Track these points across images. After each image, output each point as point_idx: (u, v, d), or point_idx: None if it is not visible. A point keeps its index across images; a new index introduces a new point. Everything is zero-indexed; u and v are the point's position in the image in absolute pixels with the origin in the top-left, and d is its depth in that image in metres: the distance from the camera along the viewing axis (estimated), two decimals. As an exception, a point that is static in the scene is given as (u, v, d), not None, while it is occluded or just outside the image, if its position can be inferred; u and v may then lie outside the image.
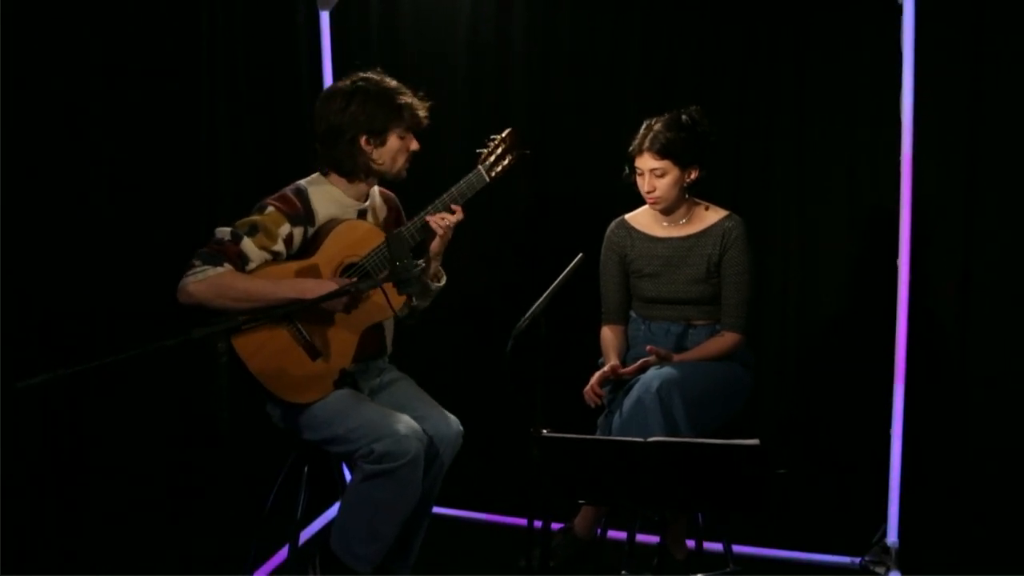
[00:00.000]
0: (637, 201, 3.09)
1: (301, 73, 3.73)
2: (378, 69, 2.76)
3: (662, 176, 2.94)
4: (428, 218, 2.70)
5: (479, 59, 3.80)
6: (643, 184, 2.97)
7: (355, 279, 2.64)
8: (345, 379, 2.72)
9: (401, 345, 3.01)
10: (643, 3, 3.59)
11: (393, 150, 2.73)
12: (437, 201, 2.72)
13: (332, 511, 3.48)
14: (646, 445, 2.20)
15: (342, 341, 2.68)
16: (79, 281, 2.98)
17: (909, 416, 3.14)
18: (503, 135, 2.81)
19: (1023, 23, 3.18)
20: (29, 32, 2.78)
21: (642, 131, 2.98)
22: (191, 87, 3.32)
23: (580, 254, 2.54)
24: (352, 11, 3.82)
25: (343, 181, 2.75)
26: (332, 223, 2.69)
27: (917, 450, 3.26)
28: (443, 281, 2.86)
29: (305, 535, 3.38)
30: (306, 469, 2.74)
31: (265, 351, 2.58)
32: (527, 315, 2.38)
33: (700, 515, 2.90)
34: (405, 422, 2.61)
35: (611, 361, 3.02)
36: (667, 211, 3.05)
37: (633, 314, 3.17)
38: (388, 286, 2.45)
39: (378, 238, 2.70)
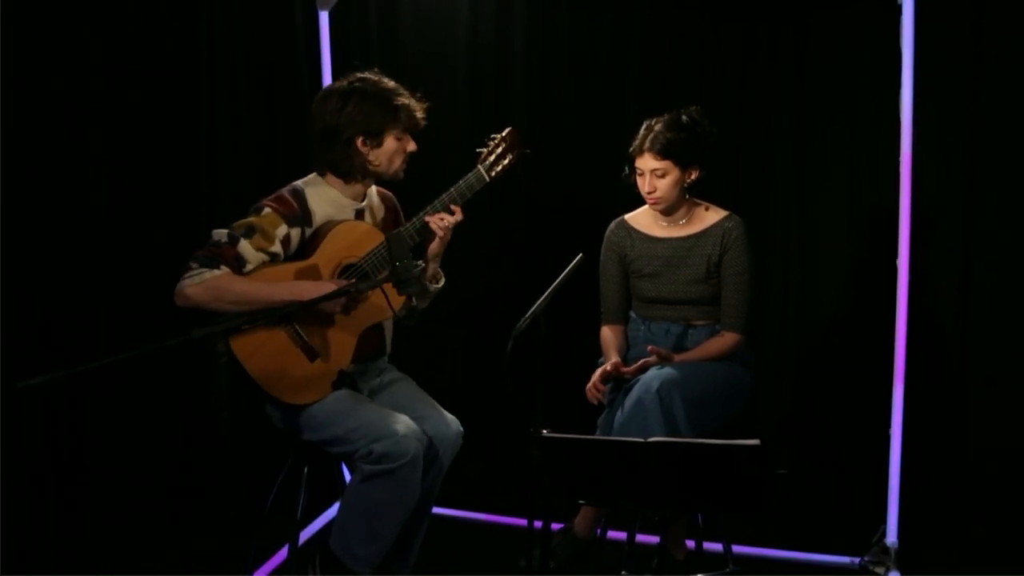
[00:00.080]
0: (637, 201, 3.09)
1: (301, 73, 3.73)
2: (375, 69, 2.75)
3: (663, 176, 2.94)
4: (427, 219, 2.69)
5: (479, 59, 3.80)
6: (644, 184, 2.97)
7: (353, 280, 2.63)
8: (344, 380, 2.72)
9: (401, 345, 3.00)
10: (643, 3, 3.59)
11: (390, 151, 2.72)
12: (436, 201, 2.71)
13: (332, 511, 3.48)
14: (646, 445, 2.20)
15: (340, 342, 2.68)
16: (79, 281, 2.98)
17: (909, 416, 3.14)
18: (503, 134, 2.80)
19: (1023, 23, 3.18)
20: (29, 32, 2.78)
21: (642, 131, 2.98)
22: (191, 87, 3.32)
23: (580, 254, 2.54)
24: (352, 11, 3.82)
25: (340, 182, 2.74)
26: (330, 224, 2.68)
27: (917, 450, 3.26)
28: (441, 282, 2.86)
29: (305, 535, 3.38)
30: (306, 469, 2.74)
31: (263, 352, 2.58)
32: (527, 315, 2.38)
33: (700, 515, 2.90)
34: (404, 422, 2.60)
35: (612, 359, 3.01)
36: (667, 211, 3.05)
37: (633, 314, 3.17)
38: (388, 286, 2.44)
39: (376, 239, 2.70)
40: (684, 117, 2.96)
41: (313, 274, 2.62)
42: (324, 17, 3.69)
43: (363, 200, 2.80)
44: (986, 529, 3.28)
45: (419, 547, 2.82)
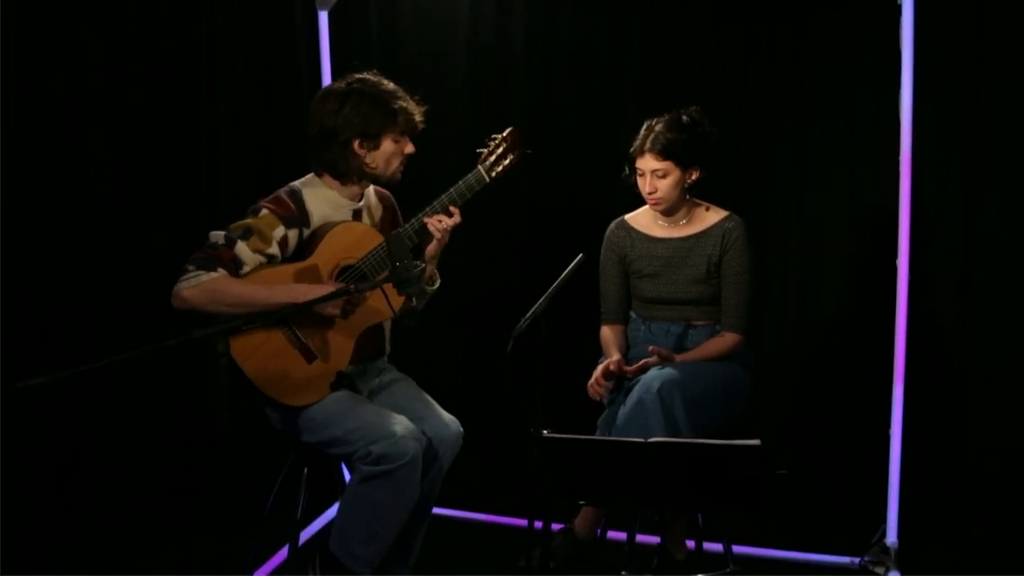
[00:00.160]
0: (637, 201, 3.09)
1: (300, 73, 3.73)
2: (375, 71, 2.74)
3: (664, 177, 2.94)
4: (426, 220, 2.69)
5: (479, 59, 3.80)
6: (644, 185, 2.97)
7: (352, 285, 2.62)
8: (343, 381, 2.71)
9: (401, 345, 3.00)
10: (643, 3, 3.59)
11: (387, 153, 2.71)
12: (436, 202, 2.70)
13: (332, 511, 3.48)
14: (646, 445, 2.20)
15: (339, 343, 2.67)
16: (79, 281, 2.98)
17: (909, 416, 3.14)
18: (504, 134, 2.80)
19: (1023, 23, 3.18)
20: (29, 32, 2.78)
21: (643, 132, 2.98)
22: (191, 87, 3.32)
23: (580, 254, 2.54)
24: (352, 11, 3.82)
25: (337, 182, 2.74)
26: (328, 225, 2.68)
27: (917, 450, 3.26)
28: (437, 284, 2.85)
29: (305, 535, 3.38)
30: (306, 470, 2.74)
31: (261, 354, 2.58)
32: (527, 316, 2.38)
33: (700, 515, 2.90)
34: (403, 423, 2.60)
35: (614, 356, 3.01)
36: (668, 212, 3.05)
37: (633, 314, 3.17)
38: (388, 287, 2.44)
39: (375, 240, 2.70)
40: (684, 117, 2.96)
41: (311, 275, 2.61)
42: (324, 17, 3.69)
43: (361, 200, 2.80)
44: (986, 529, 3.28)
45: (419, 547, 2.82)
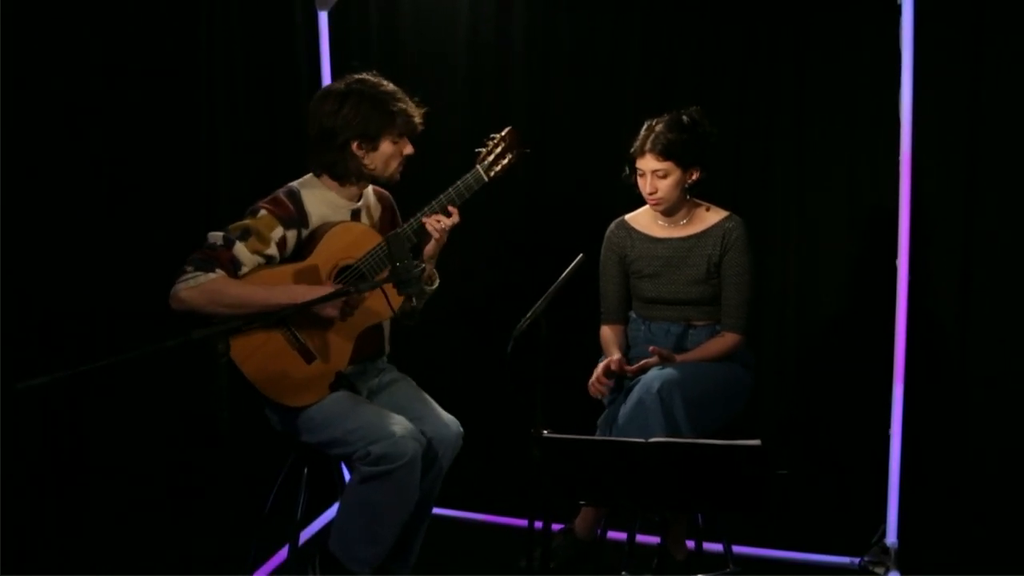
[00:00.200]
0: (637, 201, 3.09)
1: (300, 74, 3.73)
2: (374, 72, 2.74)
3: (664, 177, 2.94)
4: (424, 220, 2.68)
5: (479, 59, 3.80)
6: (645, 185, 2.97)
7: (352, 286, 2.61)
8: (341, 381, 2.71)
9: (401, 345, 3.00)
10: (643, 3, 3.59)
11: (386, 155, 2.71)
12: (434, 202, 2.70)
13: (332, 511, 3.48)
14: (647, 446, 2.20)
15: (338, 344, 2.67)
16: (79, 281, 2.99)
17: (909, 416, 3.14)
18: (502, 134, 2.80)
19: (1023, 23, 3.18)
20: (29, 32, 2.78)
21: (643, 132, 2.97)
22: (191, 87, 3.32)
23: (581, 254, 2.54)
24: (351, 11, 3.82)
25: (335, 183, 2.73)
26: (326, 225, 2.67)
27: (917, 450, 3.26)
28: (436, 283, 2.85)
29: (305, 535, 3.38)
30: (306, 470, 2.73)
31: (260, 355, 2.57)
32: (528, 316, 2.37)
33: (700, 515, 2.90)
34: (402, 424, 2.60)
35: (615, 355, 3.01)
36: (668, 212, 3.05)
37: (633, 314, 3.17)
38: (388, 287, 2.44)
39: (373, 240, 2.69)
40: (685, 117, 2.96)
41: (310, 276, 2.61)
42: (323, 17, 3.69)
43: (359, 200, 2.79)
44: (986, 529, 3.28)
45: (419, 547, 2.82)
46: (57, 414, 2.95)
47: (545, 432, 2.28)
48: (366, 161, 2.69)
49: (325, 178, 2.74)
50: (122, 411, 3.11)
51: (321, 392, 2.66)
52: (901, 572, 3.10)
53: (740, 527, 3.20)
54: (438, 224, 2.69)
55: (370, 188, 2.85)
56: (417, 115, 2.72)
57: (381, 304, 2.62)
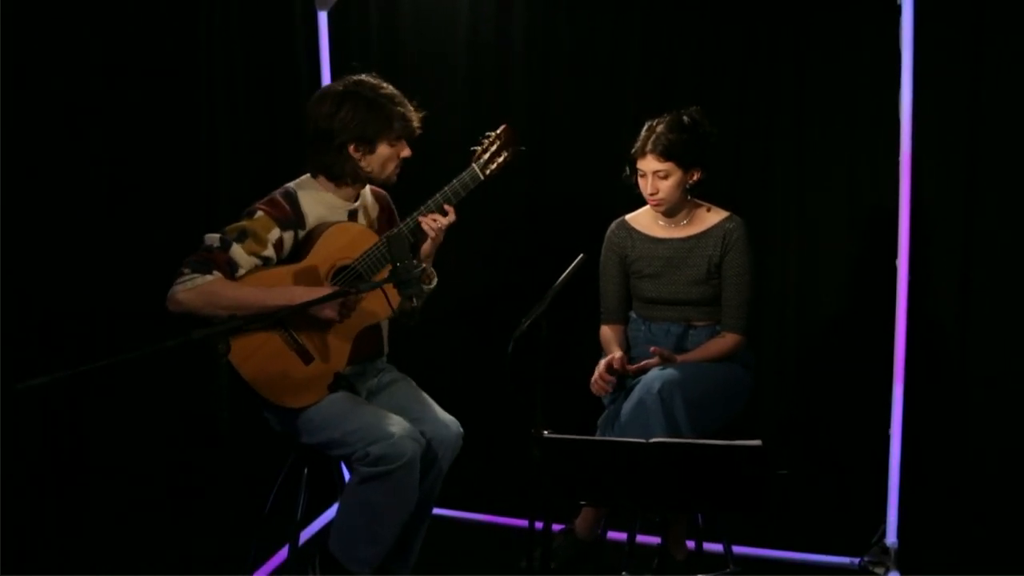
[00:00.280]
0: (637, 201, 3.09)
1: (300, 74, 3.73)
2: (374, 73, 2.72)
3: (665, 178, 2.93)
4: (420, 219, 2.68)
5: (479, 59, 3.80)
6: (646, 186, 2.97)
7: (352, 287, 2.61)
8: (340, 382, 2.70)
9: (401, 345, 3.00)
10: (643, 3, 3.59)
11: (383, 158, 2.70)
12: (430, 201, 2.69)
13: (332, 512, 3.48)
14: (647, 446, 2.20)
15: (336, 345, 2.67)
16: (79, 281, 2.99)
17: (909, 416, 3.14)
18: (497, 132, 2.79)
19: (1023, 23, 3.18)
20: (29, 32, 2.78)
21: (644, 133, 2.97)
22: (191, 87, 3.32)
23: (581, 255, 2.53)
24: (351, 11, 3.81)
25: (331, 184, 2.73)
26: (323, 226, 2.67)
27: (917, 450, 3.26)
28: (434, 283, 2.85)
29: (305, 535, 3.37)
30: (306, 470, 2.73)
31: (258, 357, 2.57)
32: (528, 317, 2.37)
33: (700, 516, 2.90)
34: (401, 424, 2.60)
35: (616, 353, 3.01)
36: (669, 212, 3.04)
37: (633, 315, 3.16)
38: (388, 287, 2.44)
39: (370, 240, 2.69)
40: (685, 118, 2.95)
41: (307, 277, 2.61)
42: (323, 17, 3.69)
43: (356, 201, 2.78)
44: (986, 529, 3.28)
45: (419, 548, 2.81)
46: (57, 414, 2.95)
47: (545, 432, 2.28)
48: (363, 163, 2.69)
49: (322, 179, 2.73)
50: (122, 411, 3.11)
51: (320, 393, 2.66)
52: (901, 572, 3.10)
53: (740, 527, 3.20)
54: (434, 223, 2.68)
55: (367, 188, 2.85)
56: (415, 119, 2.71)
57: (379, 304, 2.61)
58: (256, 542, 2.90)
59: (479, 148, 2.77)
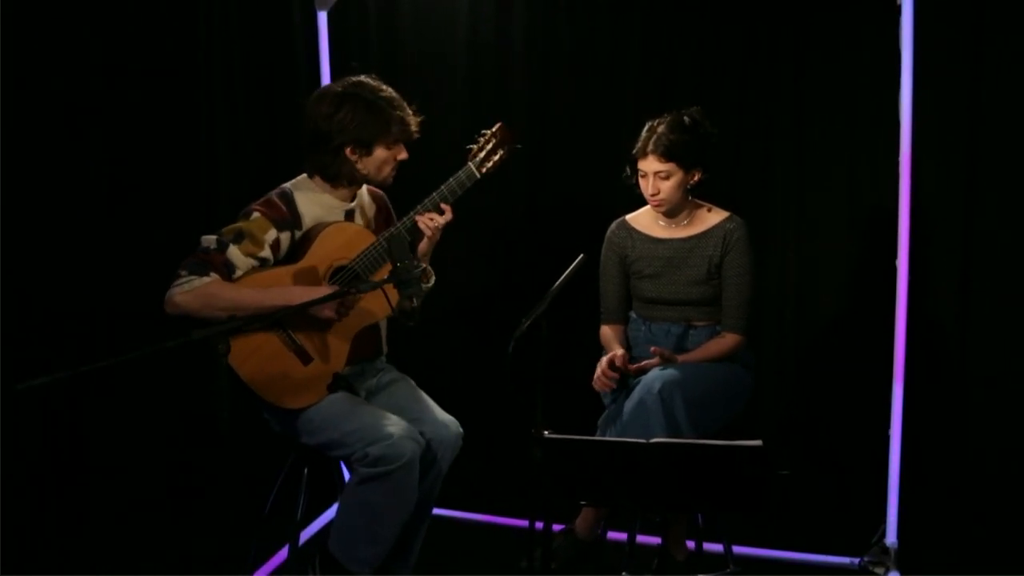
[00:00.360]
0: (637, 201, 3.09)
1: (299, 74, 3.73)
2: (373, 75, 2.72)
3: (666, 179, 2.93)
4: (417, 218, 2.68)
5: (479, 59, 3.80)
6: (647, 187, 2.96)
7: (353, 287, 2.61)
8: (339, 383, 2.70)
9: (400, 345, 3.00)
10: (643, 3, 3.59)
11: (379, 160, 2.69)
12: (427, 200, 2.69)
13: (332, 512, 3.48)
14: (648, 446, 2.20)
15: (335, 345, 2.67)
16: (79, 281, 2.98)
17: (909, 416, 3.14)
18: (493, 130, 2.79)
19: (1023, 23, 3.18)
20: (29, 32, 2.78)
21: (644, 133, 2.97)
22: (190, 87, 3.32)
23: (582, 255, 2.53)
24: (351, 11, 3.81)
25: (328, 184, 2.72)
26: (320, 226, 2.66)
27: (917, 450, 3.26)
28: (432, 282, 2.85)
29: (305, 535, 3.37)
30: (306, 470, 2.73)
31: (256, 358, 2.57)
32: (528, 317, 2.37)
33: (700, 516, 2.90)
34: (400, 425, 2.60)
35: (618, 351, 3.00)
36: (669, 213, 3.04)
37: (633, 315, 3.16)
38: (388, 286, 2.44)
39: (367, 240, 2.69)
40: (686, 118, 2.95)
41: (304, 277, 2.60)
42: (323, 17, 3.69)
43: (353, 201, 2.78)
44: (986, 529, 3.28)
45: (419, 548, 2.81)
46: (57, 414, 2.95)
47: (546, 432, 2.28)
48: (359, 165, 2.68)
49: (318, 179, 2.73)
50: (122, 411, 3.11)
51: (319, 393, 2.66)
52: (901, 572, 3.10)
53: (740, 527, 3.20)
54: (431, 222, 2.68)
55: (364, 188, 2.85)
56: (414, 123, 2.71)
57: (377, 304, 2.61)
58: (256, 542, 2.90)
59: (475, 147, 2.77)
